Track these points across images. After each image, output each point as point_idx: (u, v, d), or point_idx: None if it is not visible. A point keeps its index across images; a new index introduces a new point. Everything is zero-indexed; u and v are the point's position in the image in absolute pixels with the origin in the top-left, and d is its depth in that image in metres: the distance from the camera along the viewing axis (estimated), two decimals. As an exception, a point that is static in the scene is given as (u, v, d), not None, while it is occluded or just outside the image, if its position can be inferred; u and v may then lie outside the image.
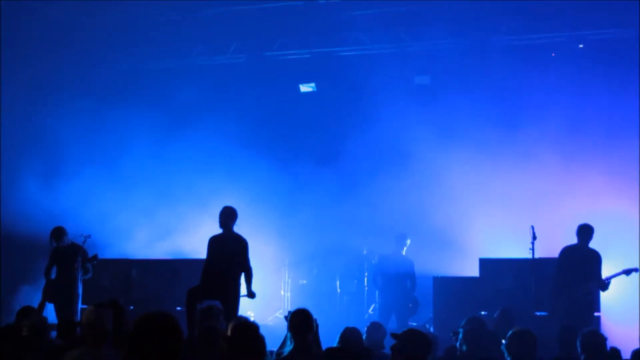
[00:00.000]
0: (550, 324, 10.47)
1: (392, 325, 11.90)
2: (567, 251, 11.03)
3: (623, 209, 12.98)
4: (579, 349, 6.96)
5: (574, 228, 11.09)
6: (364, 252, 14.87)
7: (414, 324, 12.45)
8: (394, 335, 5.76)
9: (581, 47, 14.61)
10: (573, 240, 11.04)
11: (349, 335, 7.66)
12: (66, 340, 6.83)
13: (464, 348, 7.75)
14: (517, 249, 11.98)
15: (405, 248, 12.95)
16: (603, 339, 6.96)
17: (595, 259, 10.90)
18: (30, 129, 15.08)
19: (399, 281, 12.61)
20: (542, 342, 6.52)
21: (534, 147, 14.04)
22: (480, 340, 7.83)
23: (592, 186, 13.32)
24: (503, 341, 5.88)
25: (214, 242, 10.25)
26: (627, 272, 10.98)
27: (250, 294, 10.21)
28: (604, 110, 13.85)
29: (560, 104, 13.95)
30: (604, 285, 10.82)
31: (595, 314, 11.05)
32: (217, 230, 10.32)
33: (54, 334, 7.68)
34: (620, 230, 12.79)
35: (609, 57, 14.07)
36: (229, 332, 6.29)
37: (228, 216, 10.23)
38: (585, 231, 10.95)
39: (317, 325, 6.97)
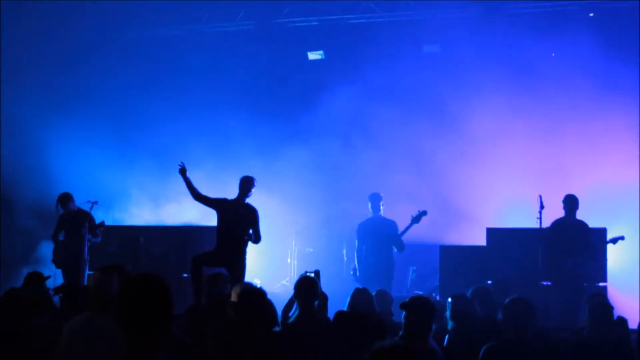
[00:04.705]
0: (554, 293, 10.54)
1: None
2: (556, 224, 11.05)
3: (630, 178, 12.92)
4: (586, 318, 6.90)
5: (582, 197, 11.07)
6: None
7: (420, 292, 12.42)
8: (402, 306, 5.76)
9: (592, 16, 14.48)
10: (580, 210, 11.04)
11: (360, 297, 7.53)
12: (71, 305, 6.84)
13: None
14: (524, 219, 11.96)
15: (382, 208, 11.95)
16: (610, 308, 6.90)
17: (583, 230, 10.91)
18: (34, 95, 15.00)
19: (382, 247, 11.75)
20: (547, 312, 6.43)
21: (544, 117, 13.99)
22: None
23: (601, 156, 13.28)
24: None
25: (222, 204, 10.25)
26: (614, 240, 10.95)
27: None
28: (615, 79, 13.72)
29: (571, 73, 13.82)
30: (594, 255, 10.84)
31: (602, 283, 11.08)
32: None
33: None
34: (626, 200, 12.77)
35: (619, 26, 13.94)
36: (233, 298, 6.31)
37: (245, 183, 10.25)
38: (571, 201, 10.97)
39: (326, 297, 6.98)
